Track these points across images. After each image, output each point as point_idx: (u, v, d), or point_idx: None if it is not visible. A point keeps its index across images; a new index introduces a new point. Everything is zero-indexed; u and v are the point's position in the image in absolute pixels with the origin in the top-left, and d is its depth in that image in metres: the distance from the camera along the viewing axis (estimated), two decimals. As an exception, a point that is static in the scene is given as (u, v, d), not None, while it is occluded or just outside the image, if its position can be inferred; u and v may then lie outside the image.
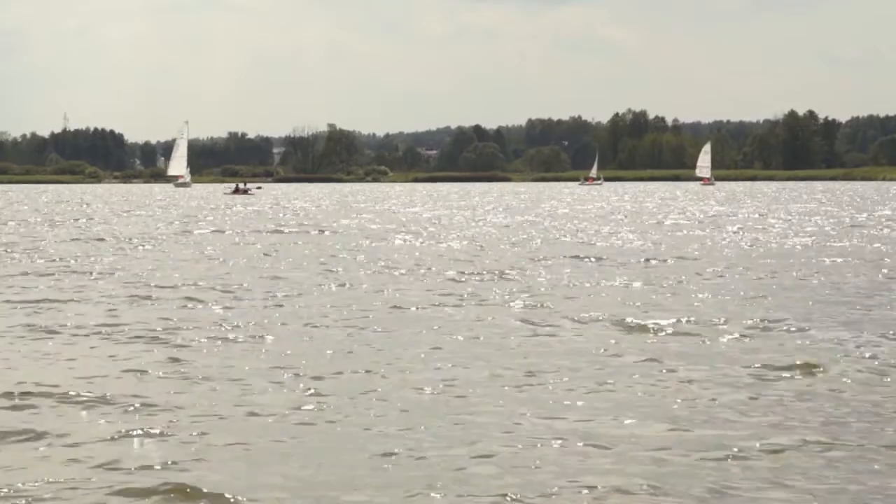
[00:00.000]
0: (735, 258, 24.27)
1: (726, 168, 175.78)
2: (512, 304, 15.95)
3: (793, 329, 13.32)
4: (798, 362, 11.01)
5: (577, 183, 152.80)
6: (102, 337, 13.06)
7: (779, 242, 29.66)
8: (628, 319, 14.03)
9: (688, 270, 21.21)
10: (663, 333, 13.04)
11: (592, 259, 23.95)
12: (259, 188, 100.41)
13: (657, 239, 31.49)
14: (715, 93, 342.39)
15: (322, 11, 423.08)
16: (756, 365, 10.97)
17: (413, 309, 15.41)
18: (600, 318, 14.27)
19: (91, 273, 21.41)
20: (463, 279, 19.71)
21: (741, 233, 34.37)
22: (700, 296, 16.93)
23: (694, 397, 9.61)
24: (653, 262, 23.32)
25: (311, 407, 9.27)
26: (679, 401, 9.45)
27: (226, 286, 18.52)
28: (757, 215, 48.52)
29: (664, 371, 10.75)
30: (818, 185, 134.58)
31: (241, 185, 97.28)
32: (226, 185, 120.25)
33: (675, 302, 16.14)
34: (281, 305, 15.93)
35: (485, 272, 20.87)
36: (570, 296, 17.01)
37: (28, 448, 8.10)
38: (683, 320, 13.97)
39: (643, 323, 13.73)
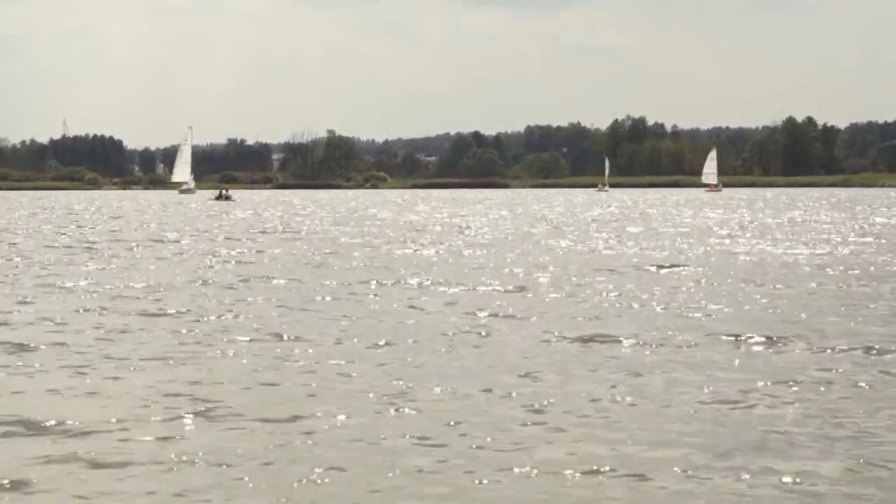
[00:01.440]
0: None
1: (725, 174, 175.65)
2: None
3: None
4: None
5: (594, 189, 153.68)
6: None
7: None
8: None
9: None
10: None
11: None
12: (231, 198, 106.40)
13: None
14: (714, 94, 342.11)
15: (322, 11, 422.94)
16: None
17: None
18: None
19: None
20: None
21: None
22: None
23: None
24: None
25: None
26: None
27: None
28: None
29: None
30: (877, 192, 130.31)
31: (224, 192, 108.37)
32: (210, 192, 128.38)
33: None
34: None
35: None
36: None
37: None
38: None
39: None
